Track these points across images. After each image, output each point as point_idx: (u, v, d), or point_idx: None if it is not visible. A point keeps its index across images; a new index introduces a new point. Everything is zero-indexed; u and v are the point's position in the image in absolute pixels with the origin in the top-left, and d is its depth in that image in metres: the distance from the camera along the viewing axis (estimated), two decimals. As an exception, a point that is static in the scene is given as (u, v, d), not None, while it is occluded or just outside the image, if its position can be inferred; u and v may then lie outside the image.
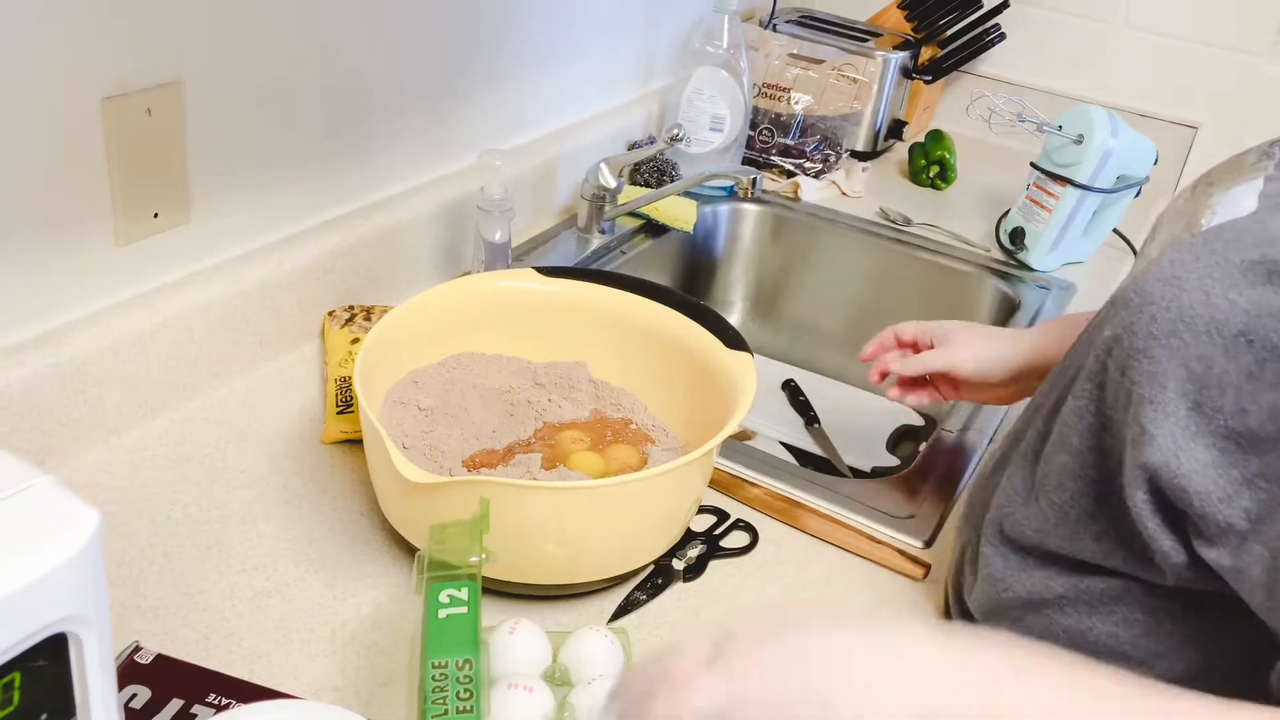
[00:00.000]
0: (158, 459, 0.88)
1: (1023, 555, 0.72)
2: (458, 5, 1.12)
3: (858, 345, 1.50)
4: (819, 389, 1.41)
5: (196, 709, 0.66)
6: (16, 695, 0.38)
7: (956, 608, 0.80)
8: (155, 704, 0.66)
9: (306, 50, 0.97)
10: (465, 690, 0.56)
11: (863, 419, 1.36)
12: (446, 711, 0.54)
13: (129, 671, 0.68)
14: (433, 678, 0.56)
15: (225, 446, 0.91)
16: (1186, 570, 0.62)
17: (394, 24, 1.05)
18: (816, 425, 1.33)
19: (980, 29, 1.70)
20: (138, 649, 0.70)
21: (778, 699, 0.46)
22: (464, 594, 0.61)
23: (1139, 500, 0.61)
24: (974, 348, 0.94)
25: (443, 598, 0.61)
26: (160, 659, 0.69)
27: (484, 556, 0.64)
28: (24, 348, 0.81)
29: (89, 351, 0.84)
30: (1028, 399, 0.84)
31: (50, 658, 0.39)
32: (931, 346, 0.97)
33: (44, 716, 0.39)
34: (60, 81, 0.78)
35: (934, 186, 1.64)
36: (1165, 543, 0.61)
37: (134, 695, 0.67)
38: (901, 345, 1.01)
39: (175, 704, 0.66)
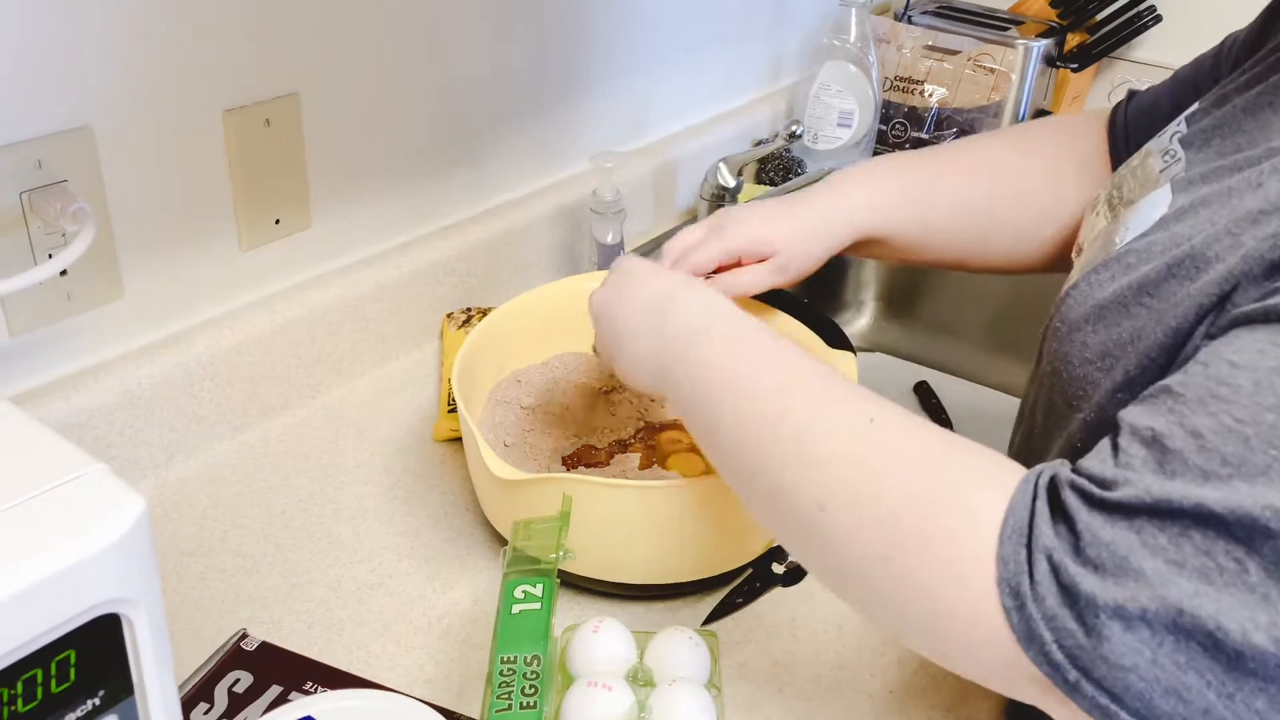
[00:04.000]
0: (278, 454, 0.92)
1: None
2: (573, 11, 1.14)
3: (998, 345, 1.46)
4: (954, 392, 1.35)
5: (293, 695, 0.69)
6: (73, 672, 0.40)
7: None
8: (257, 689, 0.69)
9: (418, 60, 1.00)
10: (531, 686, 0.56)
11: (1000, 424, 1.30)
12: (510, 707, 0.55)
13: (234, 657, 0.71)
14: (500, 672, 0.57)
15: (342, 443, 0.94)
16: None
17: (508, 29, 1.07)
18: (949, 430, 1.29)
19: (1133, 12, 1.60)
20: (244, 636, 0.73)
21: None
22: (539, 590, 0.62)
23: None
24: (802, 251, 0.84)
25: (518, 593, 0.62)
26: (264, 646, 0.72)
27: (562, 554, 0.64)
28: (154, 348, 0.86)
29: (215, 351, 0.89)
30: None
31: (105, 638, 0.41)
32: (740, 262, 0.85)
33: (101, 693, 0.42)
34: (184, 95, 0.83)
35: (1080, 179, 1.56)
36: None
37: (237, 680, 0.70)
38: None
39: (275, 690, 0.69)
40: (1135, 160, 0.73)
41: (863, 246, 0.87)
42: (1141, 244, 0.62)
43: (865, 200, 0.86)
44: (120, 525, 0.38)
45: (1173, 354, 0.55)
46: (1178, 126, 0.71)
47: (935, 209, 0.87)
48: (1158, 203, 0.64)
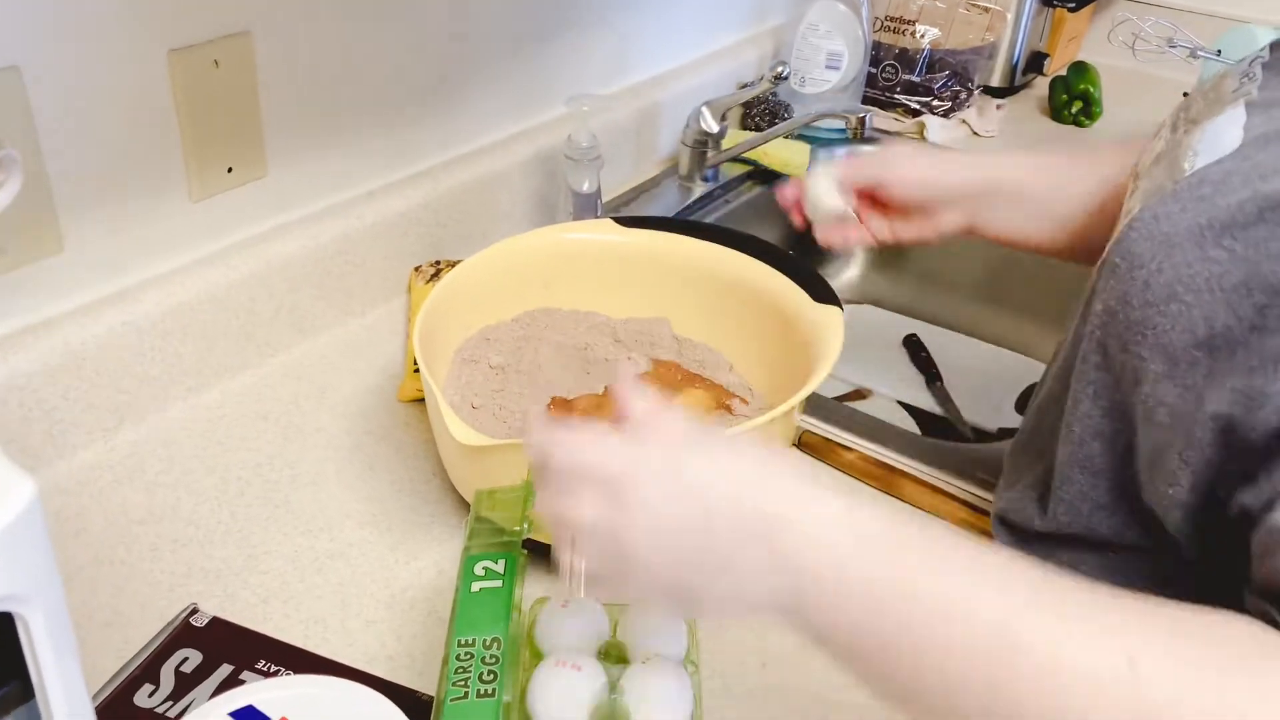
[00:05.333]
0: (235, 416, 0.87)
1: (1040, 539, 0.67)
2: (546, -57, 1.08)
3: (989, 297, 1.41)
4: (944, 344, 1.31)
5: (245, 675, 0.65)
6: (-36, 675, 0.36)
7: None
8: (206, 668, 0.65)
9: (382, -5, 0.94)
10: (490, 672, 0.52)
11: (990, 378, 1.27)
12: (466, 695, 0.51)
13: (183, 634, 0.67)
14: (457, 657, 0.53)
15: (303, 404, 0.89)
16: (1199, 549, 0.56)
17: (477, -35, 1.01)
18: (938, 383, 1.25)
19: (1133, -52, 1.55)
20: (194, 611, 0.69)
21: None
22: (500, 566, 0.58)
23: (1159, 483, 0.56)
24: (914, 161, 0.82)
25: (478, 569, 0.58)
26: (215, 622, 0.68)
27: (527, 525, 0.60)
28: (101, 305, 0.81)
29: (165, 309, 0.84)
30: None
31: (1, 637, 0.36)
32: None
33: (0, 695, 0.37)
34: (123, 34, 0.77)
35: (1076, 123, 1.51)
36: (1186, 529, 0.56)
37: (185, 659, 0.66)
38: None
39: (225, 669, 0.65)
40: (1208, 82, 0.67)
41: (983, 210, 0.82)
42: (1216, 172, 0.55)
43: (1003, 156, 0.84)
44: (5, 514, 0.34)
45: (1268, 316, 0.49)
46: (1261, 52, 0.65)
47: (1069, 182, 0.82)
48: (1230, 124, 0.58)
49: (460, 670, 0.52)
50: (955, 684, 0.44)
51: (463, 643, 0.54)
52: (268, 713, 0.51)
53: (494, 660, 0.53)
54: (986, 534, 0.80)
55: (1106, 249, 0.59)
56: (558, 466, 0.50)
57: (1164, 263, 0.54)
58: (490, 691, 0.51)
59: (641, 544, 0.48)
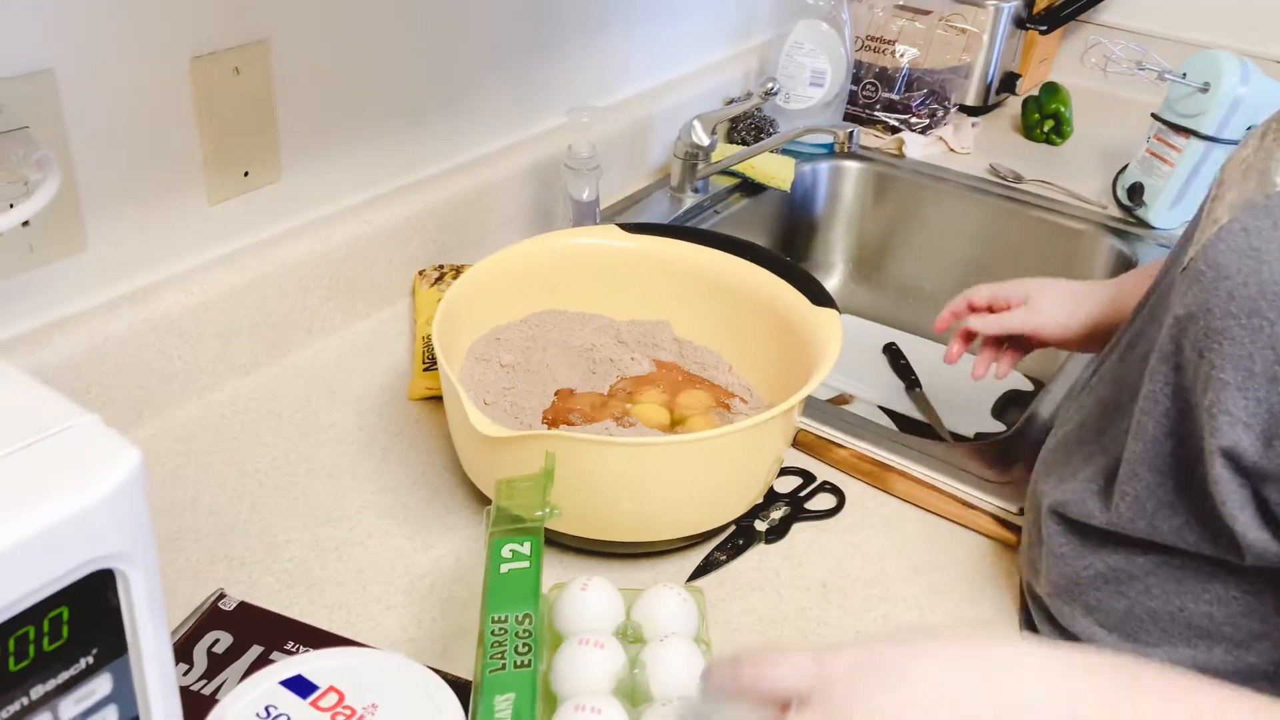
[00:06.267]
0: (249, 413, 0.90)
1: (1098, 535, 0.68)
2: (547, -40, 1.11)
3: (964, 308, 1.46)
4: (923, 353, 1.36)
5: (275, 655, 0.67)
6: (65, 629, 0.39)
7: (1028, 588, 0.76)
8: (236, 649, 0.68)
9: (393, 9, 0.97)
10: (524, 645, 0.55)
11: (967, 384, 1.30)
12: (504, 666, 0.54)
13: (213, 617, 0.70)
14: (492, 632, 0.56)
15: (315, 402, 0.92)
16: (1277, 557, 0.57)
17: (482, -20, 1.05)
18: (918, 389, 1.29)
19: (1101, -26, 1.61)
20: (222, 596, 0.71)
21: None
22: (526, 549, 0.61)
23: (1224, 487, 0.57)
24: (1056, 309, 0.91)
25: (505, 552, 0.61)
26: (243, 606, 0.71)
27: (548, 511, 0.63)
28: (120, 304, 0.84)
29: (183, 308, 0.87)
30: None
31: (98, 594, 0.39)
32: (1008, 308, 0.94)
33: (95, 651, 0.40)
34: (150, 40, 0.80)
35: (1049, 141, 1.57)
36: (1253, 532, 0.57)
37: (216, 640, 0.68)
38: (975, 310, 0.98)
39: (255, 650, 0.68)
40: None
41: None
42: None
43: (1123, 281, 0.91)
44: (114, 477, 0.37)
45: None
46: None
47: None
48: None
49: (496, 644, 0.55)
50: None
51: (496, 619, 0.57)
52: (316, 681, 0.54)
53: (527, 634, 0.56)
54: (971, 528, 0.84)
55: (1190, 254, 0.60)
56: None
57: (1250, 276, 0.54)
58: (526, 662, 0.54)
59: None
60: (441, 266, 1.06)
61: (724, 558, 0.79)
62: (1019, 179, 1.44)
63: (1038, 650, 0.49)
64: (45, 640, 0.38)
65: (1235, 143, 1.28)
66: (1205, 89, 1.26)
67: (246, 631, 0.69)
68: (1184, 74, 1.28)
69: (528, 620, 0.57)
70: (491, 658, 0.55)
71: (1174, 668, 0.48)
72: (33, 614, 0.37)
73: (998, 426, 1.24)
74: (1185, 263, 0.61)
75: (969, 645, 0.48)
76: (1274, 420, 0.54)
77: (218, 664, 0.66)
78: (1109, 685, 0.46)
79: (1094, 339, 0.91)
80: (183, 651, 0.67)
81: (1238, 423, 0.55)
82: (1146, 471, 0.63)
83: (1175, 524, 0.62)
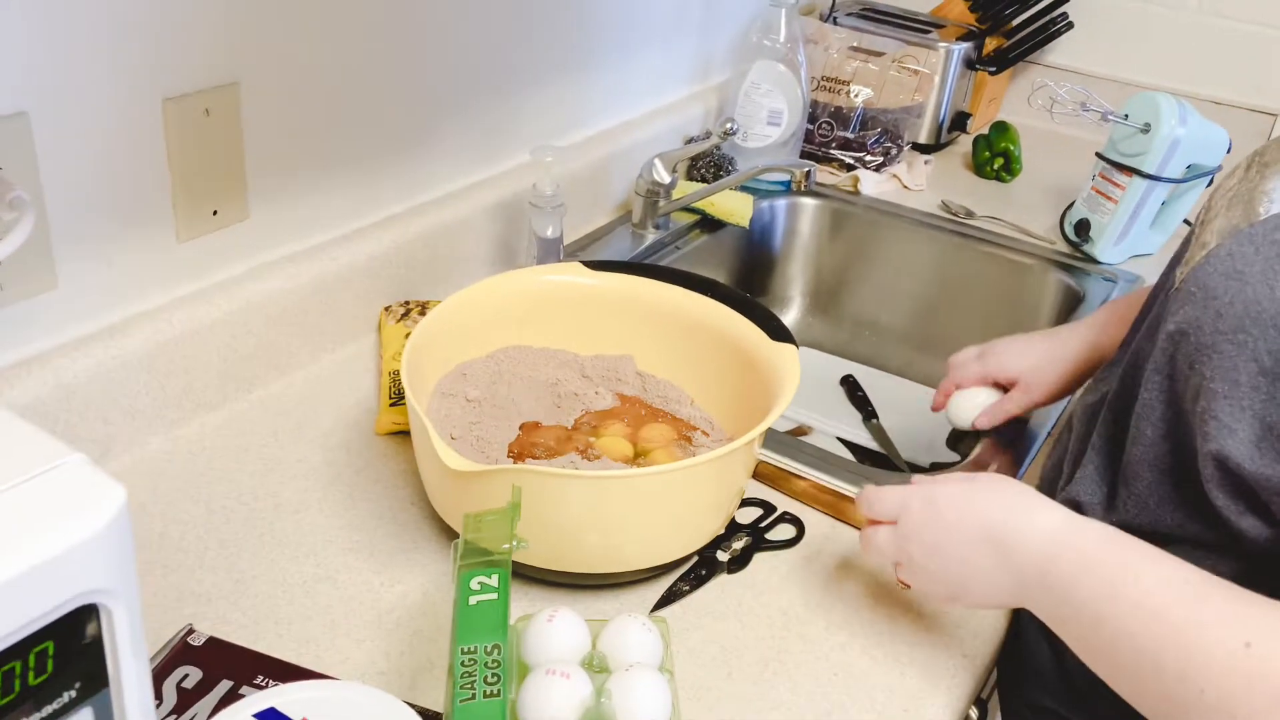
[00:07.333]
0: (217, 449, 0.91)
1: None
2: (511, 6, 1.14)
3: (919, 340, 1.50)
4: (879, 385, 1.39)
5: (245, 690, 0.68)
6: (50, 664, 0.40)
7: None
8: (206, 684, 0.68)
9: (360, 52, 0.99)
10: (493, 675, 0.57)
11: (923, 415, 1.33)
12: (474, 696, 0.55)
13: (182, 653, 0.70)
14: (461, 663, 0.57)
15: (281, 437, 0.93)
16: (1270, 544, 0.64)
17: (446, 25, 1.07)
18: (874, 421, 1.32)
19: (1047, 18, 1.67)
20: (191, 631, 0.72)
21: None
22: (494, 580, 0.62)
23: (1215, 489, 0.64)
24: (1049, 382, 0.98)
25: (474, 584, 0.62)
26: (212, 641, 0.72)
27: (515, 544, 0.65)
28: (90, 340, 0.84)
29: (152, 344, 0.87)
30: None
31: (82, 629, 0.40)
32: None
33: (78, 685, 0.41)
34: (123, 83, 0.81)
35: (998, 179, 1.61)
36: (1244, 521, 0.64)
37: (186, 675, 0.69)
38: (964, 388, 1.05)
39: (225, 685, 0.68)
40: None
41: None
42: None
43: (1097, 319, 0.99)
44: (102, 515, 0.38)
45: None
46: None
47: None
48: None
49: (466, 675, 0.57)
50: (1121, 665, 0.61)
51: (465, 650, 0.58)
52: (289, 714, 0.55)
53: (496, 664, 0.57)
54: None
55: (1181, 276, 0.68)
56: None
57: (1235, 296, 0.61)
58: (496, 692, 0.56)
59: (918, 559, 0.73)
60: (407, 302, 1.08)
61: (687, 588, 0.81)
62: (970, 215, 1.49)
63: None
64: (30, 675, 0.39)
65: (1176, 181, 1.33)
66: (1146, 129, 1.31)
67: (216, 666, 0.70)
68: (1126, 115, 1.33)
69: (496, 651, 0.58)
70: (461, 688, 0.56)
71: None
72: (19, 649, 0.38)
73: (952, 457, 1.27)
74: (1176, 283, 0.68)
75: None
76: (1259, 425, 0.60)
77: (188, 699, 0.67)
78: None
79: (1079, 384, 0.99)
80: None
81: (1226, 428, 0.61)
82: (1147, 471, 0.70)
83: (1178, 518, 0.69)
